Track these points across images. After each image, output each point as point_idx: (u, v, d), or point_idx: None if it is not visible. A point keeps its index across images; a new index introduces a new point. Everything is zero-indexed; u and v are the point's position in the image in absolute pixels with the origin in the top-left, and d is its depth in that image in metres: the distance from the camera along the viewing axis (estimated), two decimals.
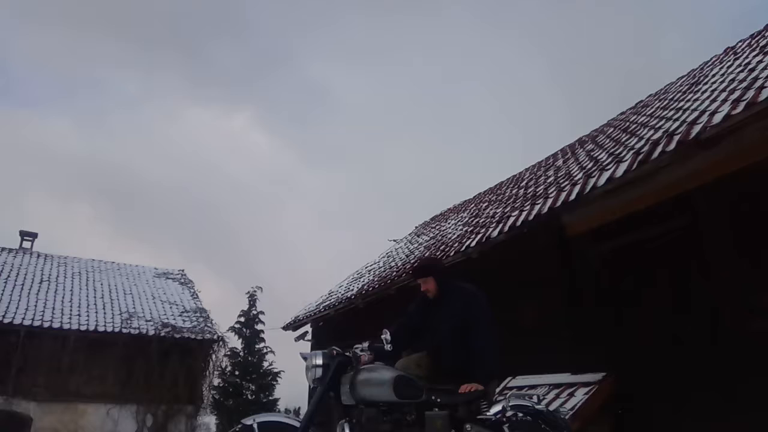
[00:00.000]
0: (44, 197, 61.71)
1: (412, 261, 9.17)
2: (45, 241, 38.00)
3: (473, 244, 6.83)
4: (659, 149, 4.47)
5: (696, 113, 4.71)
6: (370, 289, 9.61)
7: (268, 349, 21.64)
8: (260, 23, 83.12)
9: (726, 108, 4.07)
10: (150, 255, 64.64)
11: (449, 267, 7.28)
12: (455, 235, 8.63)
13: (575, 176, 6.22)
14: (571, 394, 5.10)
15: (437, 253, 8.01)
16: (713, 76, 6.61)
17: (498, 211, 8.05)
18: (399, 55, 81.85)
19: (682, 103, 5.99)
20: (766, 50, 6.07)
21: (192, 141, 73.60)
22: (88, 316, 16.07)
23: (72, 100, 78.10)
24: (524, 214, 6.12)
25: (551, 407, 4.57)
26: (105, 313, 16.49)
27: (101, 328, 15.69)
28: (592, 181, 5.20)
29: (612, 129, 8.66)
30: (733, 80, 5.29)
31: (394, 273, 9.29)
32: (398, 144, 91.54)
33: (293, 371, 20.59)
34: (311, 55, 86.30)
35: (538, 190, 7.42)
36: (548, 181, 7.75)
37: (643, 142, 5.16)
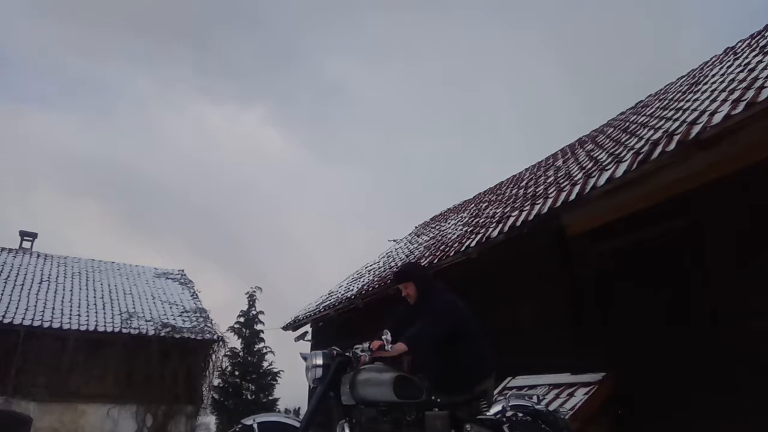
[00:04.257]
0: (50, 195, 61.79)
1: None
2: (50, 240, 38.18)
3: (473, 244, 6.83)
4: (659, 149, 4.47)
5: (696, 113, 4.72)
6: (370, 289, 9.61)
7: (268, 349, 21.68)
8: (273, 18, 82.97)
9: (726, 108, 4.07)
10: (159, 254, 64.59)
11: (448, 267, 7.30)
12: (455, 235, 8.63)
13: (575, 176, 6.22)
14: (571, 394, 5.10)
15: (437, 253, 8.01)
16: (713, 76, 6.61)
17: (498, 211, 8.05)
18: (414, 52, 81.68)
19: (682, 103, 5.99)
20: (766, 50, 6.07)
21: (203, 138, 73.59)
22: (88, 316, 16.07)
23: (80, 97, 77.97)
24: (524, 214, 6.12)
25: (551, 407, 4.57)
26: (105, 313, 16.49)
27: (101, 328, 15.69)
28: (592, 181, 5.21)
29: (612, 129, 8.67)
30: (733, 80, 5.29)
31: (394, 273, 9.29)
32: (413, 142, 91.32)
33: (293, 371, 20.60)
34: (326, 51, 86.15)
35: (538, 190, 7.43)
36: (548, 181, 7.75)
37: (643, 142, 5.16)
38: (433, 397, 3.35)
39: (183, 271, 21.43)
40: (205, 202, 67.02)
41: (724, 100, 4.38)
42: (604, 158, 6.05)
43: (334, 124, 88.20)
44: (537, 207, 5.95)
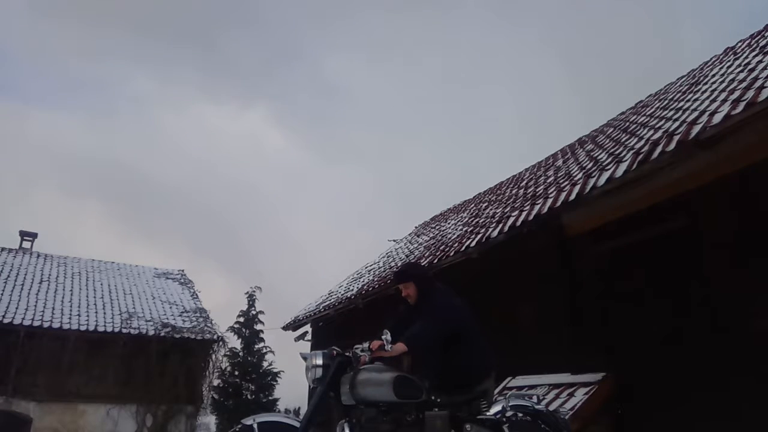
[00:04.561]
0: (51, 195, 61.72)
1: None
2: (50, 240, 38.04)
3: (473, 244, 6.83)
4: (659, 149, 4.47)
5: (696, 113, 4.72)
6: (370, 289, 9.61)
7: (268, 349, 21.67)
8: (274, 18, 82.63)
9: (726, 108, 4.07)
10: (160, 254, 64.48)
11: (448, 267, 7.30)
12: (455, 235, 8.63)
13: (575, 176, 6.22)
14: (571, 394, 5.10)
15: (437, 253, 8.01)
16: (713, 76, 6.61)
17: (498, 211, 8.05)
18: (415, 52, 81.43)
19: (681, 103, 5.99)
20: (766, 50, 6.07)
21: (204, 138, 73.48)
22: (88, 316, 16.07)
23: (81, 96, 77.85)
24: (524, 214, 6.12)
25: (551, 407, 4.58)
26: (105, 313, 16.49)
27: (101, 328, 15.68)
28: (592, 181, 5.21)
29: (612, 129, 8.67)
30: (732, 80, 5.29)
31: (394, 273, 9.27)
32: (414, 142, 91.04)
33: (293, 371, 20.59)
34: (327, 50, 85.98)
35: (538, 190, 7.43)
36: (548, 181, 7.75)
37: (643, 142, 5.16)
38: (433, 397, 3.35)
39: (183, 271, 21.46)
40: (206, 201, 66.99)
41: (724, 100, 4.38)
42: (604, 158, 6.05)
43: (334, 124, 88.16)
44: (537, 207, 5.95)
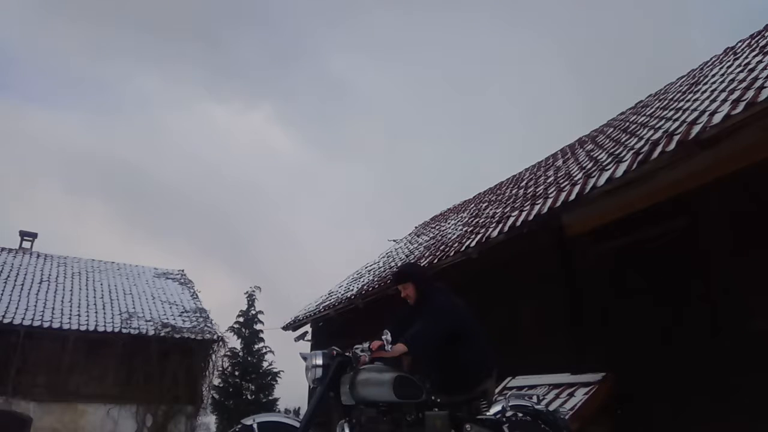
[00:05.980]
0: (52, 194, 61.69)
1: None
2: (52, 240, 37.98)
3: (473, 244, 6.82)
4: (659, 149, 4.48)
5: (696, 113, 4.72)
6: (370, 289, 9.61)
7: (268, 349, 21.69)
8: (281, 16, 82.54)
9: (726, 108, 4.07)
10: (163, 253, 64.34)
11: (448, 267, 7.30)
12: (455, 235, 8.63)
13: (575, 176, 6.22)
14: (571, 394, 5.10)
15: (437, 254, 8.01)
16: (713, 76, 6.61)
17: (498, 211, 8.05)
18: (419, 51, 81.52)
19: (681, 103, 5.99)
20: (765, 50, 6.08)
21: (209, 137, 73.43)
22: (88, 316, 16.08)
23: (83, 95, 77.58)
24: (524, 214, 6.12)
25: (551, 407, 4.58)
26: (105, 313, 16.50)
27: (101, 328, 15.70)
28: (592, 181, 5.21)
29: (612, 129, 8.67)
30: (732, 80, 5.29)
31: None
32: (417, 141, 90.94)
33: (293, 371, 20.59)
34: (332, 49, 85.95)
35: (538, 190, 7.43)
36: (548, 181, 7.75)
37: (643, 142, 5.17)
38: (433, 397, 3.35)
39: (183, 271, 21.48)
40: (209, 200, 66.87)
41: (724, 100, 4.38)
42: (604, 158, 6.05)
43: (339, 123, 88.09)
44: (537, 207, 5.95)
